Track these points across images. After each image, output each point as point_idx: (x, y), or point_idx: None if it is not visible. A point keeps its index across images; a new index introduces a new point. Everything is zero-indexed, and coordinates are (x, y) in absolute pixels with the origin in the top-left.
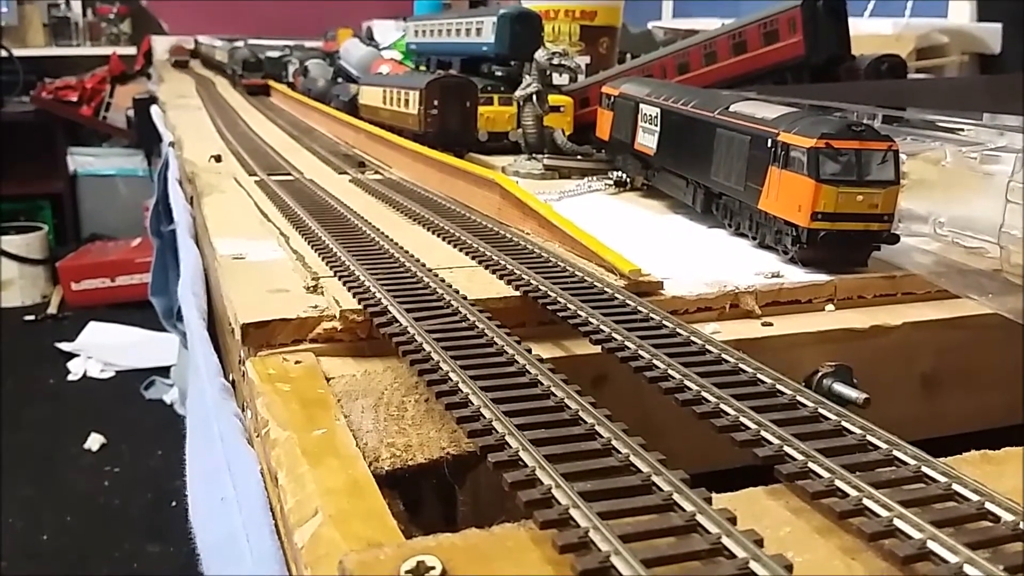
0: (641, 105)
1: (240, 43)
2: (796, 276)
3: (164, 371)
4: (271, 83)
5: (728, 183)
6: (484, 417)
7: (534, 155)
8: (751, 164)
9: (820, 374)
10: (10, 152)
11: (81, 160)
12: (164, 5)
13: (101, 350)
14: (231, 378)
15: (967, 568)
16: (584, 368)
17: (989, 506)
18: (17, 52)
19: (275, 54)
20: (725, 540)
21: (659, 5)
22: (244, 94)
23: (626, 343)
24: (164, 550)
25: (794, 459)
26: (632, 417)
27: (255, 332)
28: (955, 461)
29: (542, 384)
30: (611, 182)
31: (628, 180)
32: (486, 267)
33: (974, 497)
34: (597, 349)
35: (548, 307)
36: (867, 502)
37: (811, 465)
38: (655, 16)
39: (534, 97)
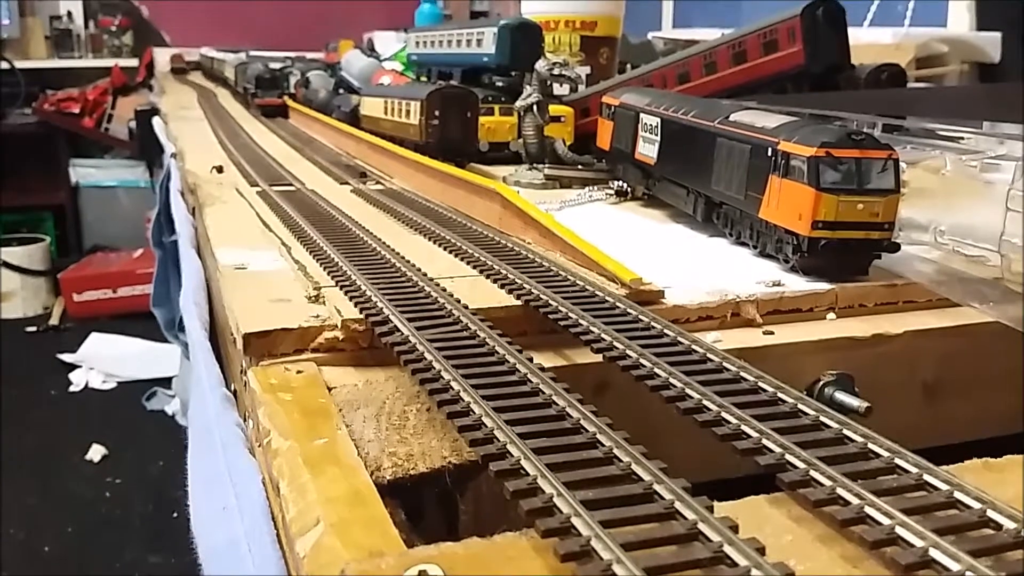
0: (641, 115)
1: (245, 55)
2: (797, 285)
3: (166, 382)
4: (290, 103)
5: (728, 192)
6: (486, 426)
7: (535, 165)
8: (751, 173)
9: (821, 383)
10: (12, 163)
11: (83, 171)
12: (166, 17)
13: (103, 361)
14: (233, 388)
15: None
16: (586, 377)
17: (991, 514)
18: (19, 64)
19: (277, 65)
20: (727, 548)
21: (659, 16)
22: (258, 116)
23: (627, 352)
24: (165, 560)
25: (796, 467)
26: (634, 426)
27: (257, 342)
28: (957, 469)
29: (544, 393)
30: (612, 192)
31: (629, 190)
32: (487, 276)
33: (976, 505)
34: (598, 358)
35: (549, 316)
36: (869, 510)
37: (813, 473)
38: (655, 26)
39: (535, 107)
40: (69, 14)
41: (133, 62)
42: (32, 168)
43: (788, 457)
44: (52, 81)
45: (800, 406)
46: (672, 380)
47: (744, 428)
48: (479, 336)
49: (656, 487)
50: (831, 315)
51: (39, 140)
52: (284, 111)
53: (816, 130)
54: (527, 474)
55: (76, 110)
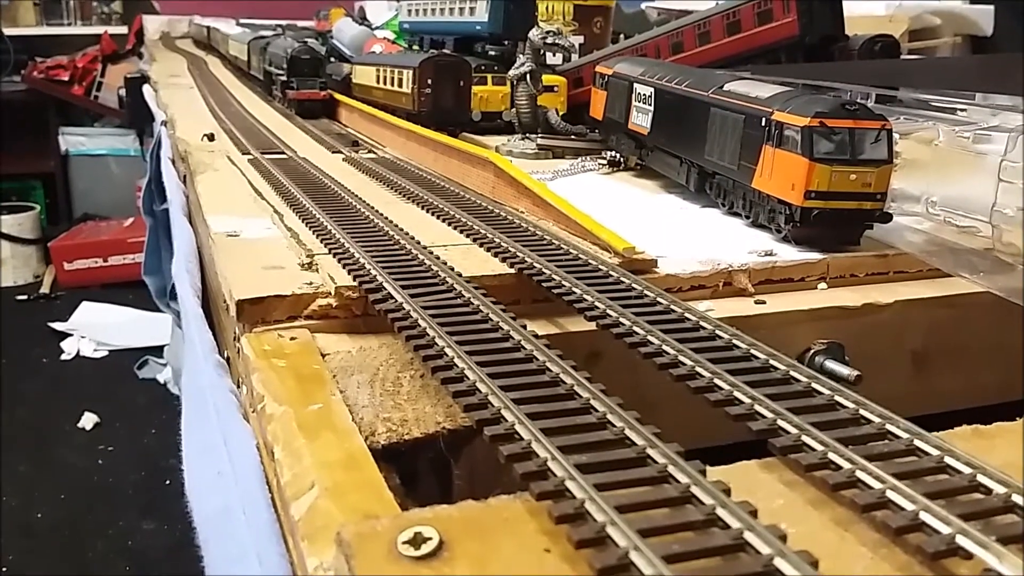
0: (635, 85)
1: (235, 23)
2: (789, 254)
3: (157, 350)
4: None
5: (722, 162)
6: (480, 391)
7: (528, 135)
8: (745, 143)
9: (812, 351)
10: (2, 132)
11: (73, 140)
12: None
13: (94, 330)
14: (226, 355)
15: (960, 539)
16: (579, 344)
17: (981, 478)
18: (8, 31)
19: (267, 34)
20: (719, 511)
21: None
22: (290, 113)
23: (620, 320)
24: (158, 527)
25: (787, 433)
26: (627, 393)
27: (250, 308)
28: (947, 435)
29: (537, 360)
30: (605, 162)
31: (622, 160)
32: (480, 245)
33: (966, 470)
34: (592, 326)
35: (543, 284)
36: (860, 475)
37: (804, 439)
38: None
39: (528, 76)
40: None
41: (123, 29)
42: (21, 136)
43: (780, 423)
44: (41, 48)
45: (792, 373)
46: (665, 347)
47: (736, 394)
48: (473, 304)
49: (649, 451)
50: (822, 285)
51: (28, 108)
52: (329, 108)
53: (810, 100)
54: (521, 439)
55: (65, 78)
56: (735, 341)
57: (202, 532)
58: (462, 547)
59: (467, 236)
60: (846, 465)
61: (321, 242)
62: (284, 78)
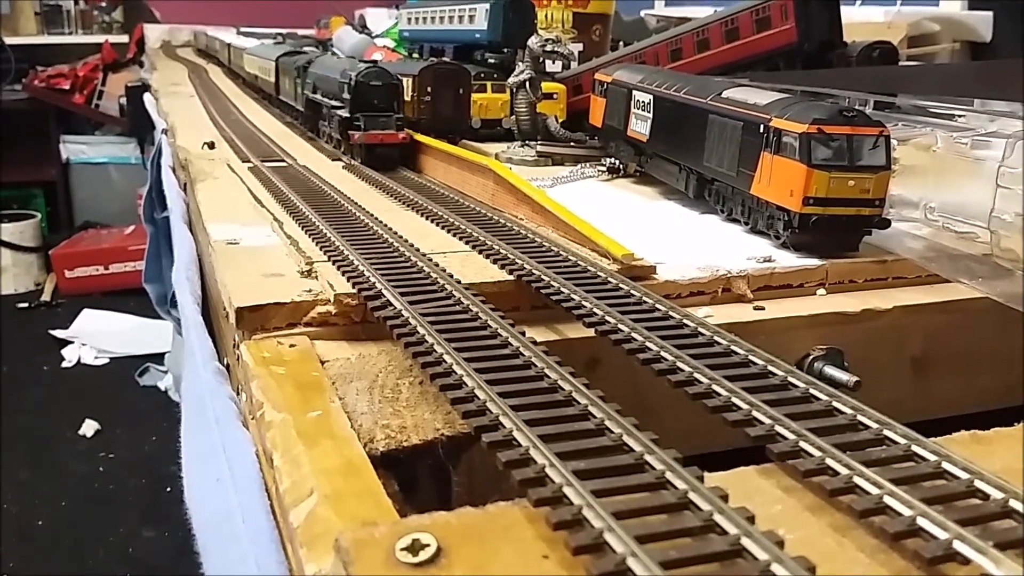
0: (634, 92)
1: (236, 31)
2: (788, 261)
3: (158, 358)
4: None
5: (720, 169)
6: (478, 398)
7: (527, 142)
8: (743, 150)
9: (811, 357)
10: (2, 140)
11: (74, 148)
12: None
13: (95, 337)
14: (225, 362)
15: (957, 544)
16: (578, 351)
17: (979, 484)
18: (9, 40)
19: (305, 48)
20: (717, 517)
21: None
22: (356, 167)
23: (619, 326)
24: (159, 534)
25: (786, 438)
26: (625, 399)
27: (250, 316)
28: (945, 441)
29: (536, 366)
30: (604, 168)
31: (621, 166)
32: (480, 252)
33: (964, 475)
34: (590, 332)
35: (542, 291)
36: (858, 480)
37: (802, 444)
38: (647, 4)
39: (527, 84)
40: None
41: (123, 38)
42: (22, 145)
43: (778, 428)
44: (42, 57)
45: (790, 379)
46: (663, 353)
47: (735, 400)
48: (471, 310)
49: (647, 457)
50: (821, 291)
51: (29, 117)
52: (409, 155)
53: (808, 107)
54: (519, 445)
55: (66, 86)
56: (733, 347)
57: (201, 538)
58: (460, 554)
59: (466, 243)
60: (844, 471)
61: (320, 249)
62: (344, 113)
